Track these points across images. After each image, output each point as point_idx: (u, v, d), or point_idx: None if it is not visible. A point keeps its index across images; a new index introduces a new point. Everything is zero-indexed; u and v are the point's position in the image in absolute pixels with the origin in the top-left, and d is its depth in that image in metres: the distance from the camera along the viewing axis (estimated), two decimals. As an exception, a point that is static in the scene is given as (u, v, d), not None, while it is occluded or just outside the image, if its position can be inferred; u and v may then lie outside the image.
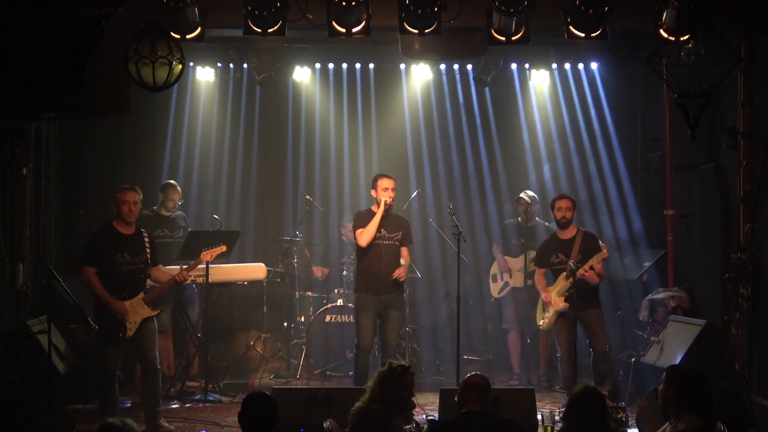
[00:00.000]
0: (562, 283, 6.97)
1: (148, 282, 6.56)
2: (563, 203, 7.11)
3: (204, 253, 6.84)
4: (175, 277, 6.53)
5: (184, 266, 6.70)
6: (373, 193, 6.99)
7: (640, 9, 6.23)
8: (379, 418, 4.54)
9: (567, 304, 6.85)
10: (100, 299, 6.19)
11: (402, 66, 9.32)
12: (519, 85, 9.52)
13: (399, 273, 6.80)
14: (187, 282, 6.89)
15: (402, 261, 6.95)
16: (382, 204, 6.82)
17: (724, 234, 7.29)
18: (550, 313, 7.04)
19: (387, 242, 6.90)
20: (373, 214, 6.86)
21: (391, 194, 6.89)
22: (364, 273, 6.93)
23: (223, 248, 6.94)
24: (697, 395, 4.46)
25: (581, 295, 6.78)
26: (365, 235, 6.81)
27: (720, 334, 6.98)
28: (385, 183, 6.93)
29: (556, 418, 5.50)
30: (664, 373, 4.61)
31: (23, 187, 7.32)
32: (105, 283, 6.22)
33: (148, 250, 6.45)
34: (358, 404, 4.65)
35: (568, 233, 7.10)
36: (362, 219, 6.92)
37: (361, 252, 6.94)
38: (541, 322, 7.21)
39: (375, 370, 5.34)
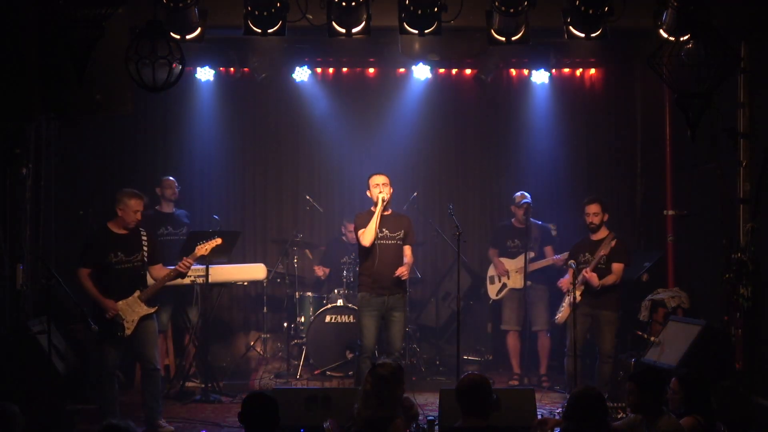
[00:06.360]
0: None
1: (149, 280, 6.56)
2: (591, 208, 7.16)
3: (199, 247, 6.66)
4: (177, 268, 6.44)
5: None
6: (368, 193, 6.88)
7: (640, 9, 6.22)
8: (384, 422, 4.52)
9: (580, 298, 6.94)
10: (92, 299, 6.24)
11: (402, 66, 9.30)
12: (518, 85, 9.52)
13: (401, 271, 6.69)
14: (188, 273, 6.69)
15: (405, 260, 6.86)
16: (379, 201, 6.72)
17: (724, 234, 7.28)
18: (565, 305, 7.16)
19: (389, 242, 6.81)
20: (372, 213, 6.75)
21: (383, 190, 6.75)
22: (367, 274, 6.82)
23: (218, 241, 6.76)
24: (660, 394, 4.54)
25: (597, 295, 6.92)
26: (367, 235, 6.70)
27: (720, 334, 6.97)
28: (376, 180, 6.83)
29: (556, 418, 5.50)
30: (633, 383, 4.63)
31: (23, 187, 7.30)
32: (101, 283, 6.26)
33: (145, 249, 6.45)
34: (362, 414, 4.61)
35: (600, 235, 7.18)
36: (362, 219, 6.81)
37: (364, 252, 6.83)
38: (557, 316, 7.31)
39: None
